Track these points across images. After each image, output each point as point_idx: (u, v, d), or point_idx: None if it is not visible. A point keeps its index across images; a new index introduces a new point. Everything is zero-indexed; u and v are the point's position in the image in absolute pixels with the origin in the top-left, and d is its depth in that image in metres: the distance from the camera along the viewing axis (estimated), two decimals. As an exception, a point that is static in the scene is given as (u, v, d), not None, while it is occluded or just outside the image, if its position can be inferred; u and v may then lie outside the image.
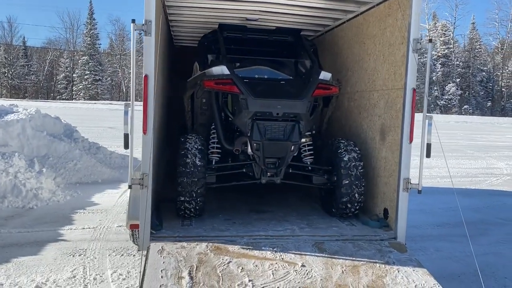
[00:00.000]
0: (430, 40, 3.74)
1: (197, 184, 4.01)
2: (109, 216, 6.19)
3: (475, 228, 6.29)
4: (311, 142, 4.73)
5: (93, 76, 61.65)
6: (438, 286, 3.20)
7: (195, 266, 3.23)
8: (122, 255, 4.68)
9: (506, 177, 11.04)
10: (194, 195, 4.02)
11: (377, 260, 3.49)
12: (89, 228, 5.58)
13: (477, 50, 65.08)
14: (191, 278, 3.09)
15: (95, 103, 45.69)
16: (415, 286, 3.19)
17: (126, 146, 3.53)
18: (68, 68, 64.70)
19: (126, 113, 3.51)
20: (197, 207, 4.10)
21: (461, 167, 12.22)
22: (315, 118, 4.69)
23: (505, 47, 66.65)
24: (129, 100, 3.69)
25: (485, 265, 4.85)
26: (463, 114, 55.60)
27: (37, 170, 7.47)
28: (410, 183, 3.87)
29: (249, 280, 3.10)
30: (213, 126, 4.67)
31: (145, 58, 3.50)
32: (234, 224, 4.14)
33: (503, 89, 66.51)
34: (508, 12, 65.75)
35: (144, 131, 3.54)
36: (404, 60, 3.91)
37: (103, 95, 63.01)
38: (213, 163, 4.57)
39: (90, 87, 61.67)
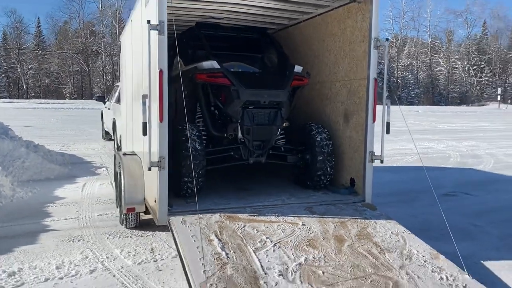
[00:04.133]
0: (387, 39, 4.65)
1: (199, 166, 4.54)
2: (83, 207, 6.38)
3: (407, 196, 7.52)
4: (284, 126, 5.46)
5: (-13, 72, 56.48)
6: (408, 231, 4.13)
7: (218, 231, 3.81)
8: (119, 237, 5.03)
9: (417, 155, 12.75)
10: (196, 176, 4.54)
11: (357, 217, 4.34)
12: (72, 218, 5.78)
13: (375, 44, 70.47)
14: (219, 240, 3.67)
15: (-4, 102, 42.09)
16: (391, 232, 4.08)
17: (144, 133, 3.98)
18: (-43, 64, 58.56)
19: (144, 103, 3.95)
20: (198, 187, 4.63)
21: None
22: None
23: (398, 41, 73.15)
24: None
25: (424, 222, 5.96)
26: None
27: (-9, 169, 7.32)
28: (374, 155, 4.77)
29: (267, 238, 3.76)
30: (199, 115, 5.21)
31: (160, 55, 3.94)
32: (231, 199, 4.75)
33: (398, 80, 72.97)
34: (400, 10, 72.19)
35: (161, 119, 3.99)
36: (365, 56, 4.79)
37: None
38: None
39: (-16, 84, 56.43)
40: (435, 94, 71.13)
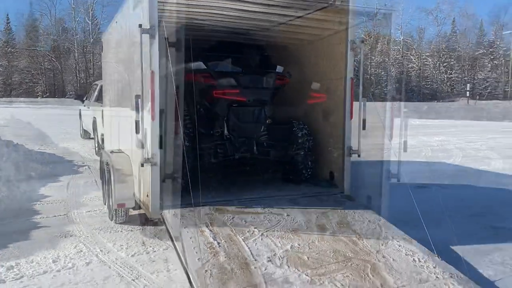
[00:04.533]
0: (363, 41, 4.98)
1: (188, 162, 4.76)
2: (70, 204, 6.51)
3: (383, 188, 7.91)
4: (268, 124, 5.74)
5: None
6: (383, 219, 4.47)
7: (209, 223, 4.07)
8: (110, 232, 5.21)
9: (391, 150, 13.25)
10: (185, 171, 4.77)
11: (337, 207, 4.67)
12: (60, 215, 5.91)
13: (349, 42, 71.48)
14: (210, 230, 3.93)
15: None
16: (369, 221, 4.43)
17: (137, 131, 4.19)
18: None
19: (137, 103, 4.15)
20: (188, 182, 4.86)
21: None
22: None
23: (372, 39, 74.40)
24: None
25: (398, 212, 6.33)
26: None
27: (-26, 168, 7.35)
28: (352, 150, 5.10)
29: (254, 228, 4.04)
30: (186, 113, 5.42)
31: (152, 57, 4.15)
32: (218, 192, 5.00)
33: (372, 77, 74.28)
34: (373, 8, 73.23)
35: (153, 118, 4.21)
36: (343, 57, 5.11)
37: (-34, 92, 56.33)
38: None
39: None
40: (407, 90, 72.69)
